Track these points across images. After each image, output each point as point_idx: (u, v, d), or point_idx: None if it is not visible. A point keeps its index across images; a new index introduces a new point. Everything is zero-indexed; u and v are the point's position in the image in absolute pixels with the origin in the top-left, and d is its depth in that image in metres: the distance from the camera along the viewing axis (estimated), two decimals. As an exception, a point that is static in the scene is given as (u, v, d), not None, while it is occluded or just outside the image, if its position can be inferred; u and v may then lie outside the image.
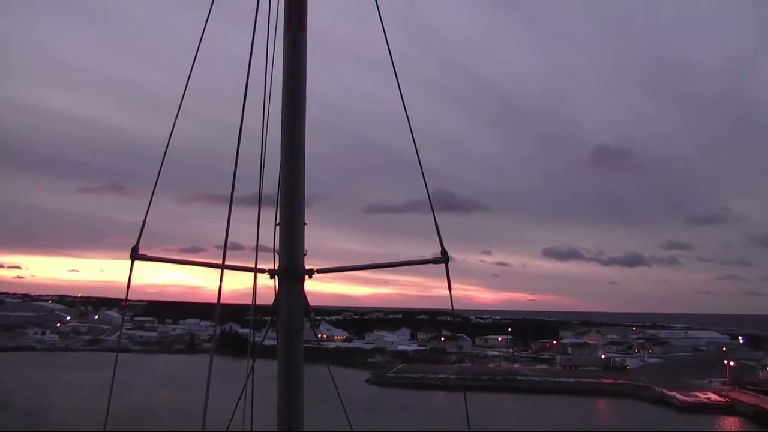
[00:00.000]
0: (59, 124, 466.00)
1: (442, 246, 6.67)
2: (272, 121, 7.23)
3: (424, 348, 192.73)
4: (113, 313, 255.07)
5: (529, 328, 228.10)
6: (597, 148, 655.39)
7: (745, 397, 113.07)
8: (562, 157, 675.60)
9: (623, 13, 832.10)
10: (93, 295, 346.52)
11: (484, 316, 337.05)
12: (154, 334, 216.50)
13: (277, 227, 6.60)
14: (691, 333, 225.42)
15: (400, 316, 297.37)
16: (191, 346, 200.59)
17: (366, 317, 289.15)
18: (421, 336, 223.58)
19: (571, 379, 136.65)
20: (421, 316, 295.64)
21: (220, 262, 6.81)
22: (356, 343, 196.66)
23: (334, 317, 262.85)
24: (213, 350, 9.39)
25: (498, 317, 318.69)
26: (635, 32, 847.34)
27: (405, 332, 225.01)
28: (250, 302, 7.74)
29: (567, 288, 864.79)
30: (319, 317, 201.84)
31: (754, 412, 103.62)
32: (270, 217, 7.03)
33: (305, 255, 6.58)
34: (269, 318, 6.53)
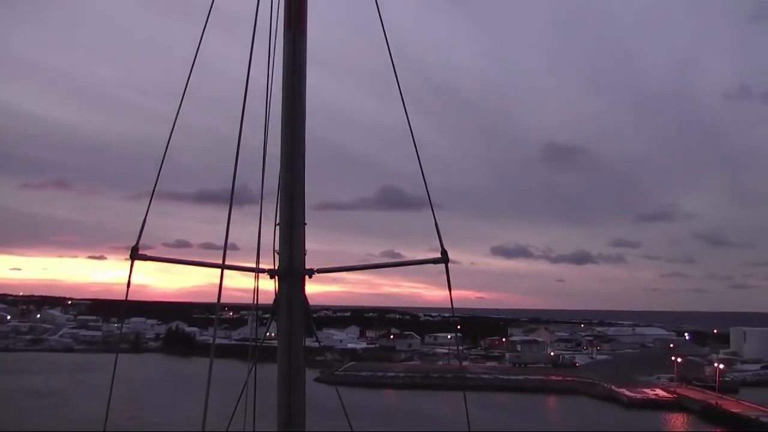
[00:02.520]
0: (1, 118, 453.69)
1: (442, 246, 6.69)
2: (272, 120, 7.35)
3: (373, 346, 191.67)
4: (56, 312, 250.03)
5: (478, 326, 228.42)
6: (546, 145, 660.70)
7: (692, 393, 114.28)
8: (512, 155, 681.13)
9: (571, 10, 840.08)
10: (35, 293, 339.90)
11: (433, 314, 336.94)
12: (98, 333, 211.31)
13: (277, 227, 6.62)
14: (638, 330, 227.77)
15: (348, 314, 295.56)
16: (137, 345, 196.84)
17: (315, 315, 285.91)
18: (370, 334, 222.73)
19: (520, 377, 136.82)
20: (370, 314, 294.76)
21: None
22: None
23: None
24: (212, 352, 9.55)
25: (447, 315, 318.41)
26: (583, 30, 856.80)
27: (354, 330, 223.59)
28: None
29: (515, 285, 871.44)
30: (267, 315, 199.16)
31: (701, 408, 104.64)
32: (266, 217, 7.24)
33: (305, 255, 6.60)
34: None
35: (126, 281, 6.56)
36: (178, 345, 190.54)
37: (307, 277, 6.60)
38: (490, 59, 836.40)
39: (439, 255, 6.72)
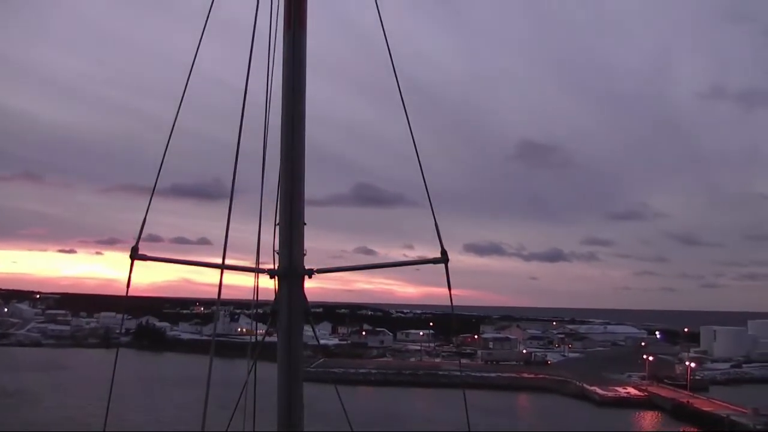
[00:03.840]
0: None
1: (442, 246, 6.73)
2: (271, 121, 7.43)
3: (345, 342, 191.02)
4: (24, 306, 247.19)
5: (450, 323, 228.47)
6: (520, 143, 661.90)
7: (663, 391, 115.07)
8: (486, 153, 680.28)
9: (545, 10, 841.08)
10: (3, 287, 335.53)
11: (405, 311, 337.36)
12: (67, 327, 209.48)
13: (277, 227, 6.65)
14: (609, 328, 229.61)
15: (321, 309, 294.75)
16: (106, 340, 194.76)
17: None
18: (342, 330, 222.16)
19: (492, 374, 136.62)
20: (342, 310, 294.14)
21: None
22: (276, 337, 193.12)
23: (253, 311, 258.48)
24: (212, 351, 9.08)
25: (419, 312, 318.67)
26: (558, 29, 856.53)
27: (326, 326, 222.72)
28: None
29: (488, 283, 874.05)
30: (238, 311, 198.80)
31: (672, 406, 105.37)
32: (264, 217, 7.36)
33: (305, 255, 6.61)
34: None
35: (126, 280, 6.65)
36: (148, 340, 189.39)
37: (306, 277, 6.59)
38: (465, 57, 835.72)
39: (438, 255, 6.76)
